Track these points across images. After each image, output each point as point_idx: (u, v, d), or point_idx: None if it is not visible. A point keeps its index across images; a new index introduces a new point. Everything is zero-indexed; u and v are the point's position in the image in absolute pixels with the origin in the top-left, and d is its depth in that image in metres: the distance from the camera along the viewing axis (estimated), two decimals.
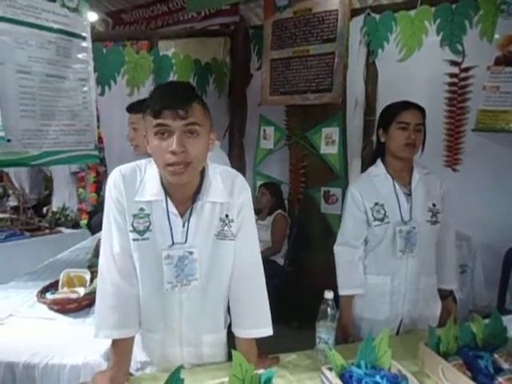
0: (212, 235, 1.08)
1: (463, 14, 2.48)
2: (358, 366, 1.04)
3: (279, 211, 3.16)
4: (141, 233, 1.04)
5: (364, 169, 1.79)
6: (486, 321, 1.19)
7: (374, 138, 2.00)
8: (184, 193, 1.05)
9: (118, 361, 1.06)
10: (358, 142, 2.95)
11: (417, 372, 1.11)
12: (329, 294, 1.18)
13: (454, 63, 2.57)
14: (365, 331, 1.50)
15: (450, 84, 2.61)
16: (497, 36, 2.40)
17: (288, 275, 2.99)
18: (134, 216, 1.04)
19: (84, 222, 3.86)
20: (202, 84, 3.48)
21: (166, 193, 1.04)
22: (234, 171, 1.14)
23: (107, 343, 1.15)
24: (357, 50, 2.84)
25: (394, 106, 1.50)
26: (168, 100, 0.93)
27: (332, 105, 2.83)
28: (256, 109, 3.39)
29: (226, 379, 0.97)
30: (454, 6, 2.50)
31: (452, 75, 2.59)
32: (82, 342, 1.32)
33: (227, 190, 1.08)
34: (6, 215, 3.39)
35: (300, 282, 2.94)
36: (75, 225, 3.56)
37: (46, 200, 4.38)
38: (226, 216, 1.08)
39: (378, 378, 0.99)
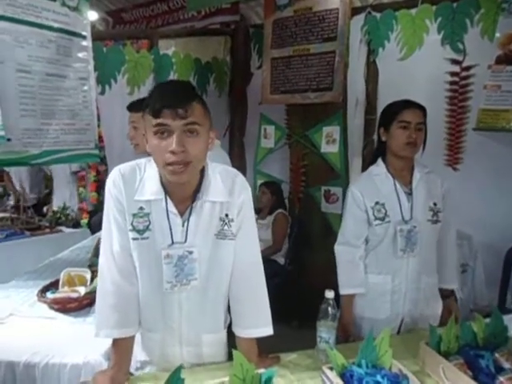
0: (212, 235, 1.07)
1: (464, 13, 2.47)
2: (359, 366, 1.04)
3: (280, 210, 3.16)
4: (140, 232, 1.04)
5: (365, 168, 1.79)
6: (487, 320, 1.19)
7: (375, 136, 2.00)
8: (184, 192, 1.05)
9: (119, 360, 1.06)
10: (359, 141, 2.94)
11: (418, 371, 1.11)
12: (329, 294, 1.18)
13: (454, 62, 2.56)
14: (366, 330, 1.50)
15: (451, 83, 2.60)
16: (498, 35, 2.39)
17: (288, 274, 2.99)
18: (134, 215, 1.04)
19: (84, 221, 3.86)
20: (203, 83, 3.48)
21: (166, 192, 1.04)
22: (234, 170, 1.14)
23: (108, 342, 1.15)
24: (357, 49, 2.82)
25: (394, 104, 1.49)
26: (168, 99, 0.93)
27: (332, 104, 2.83)
28: (256, 108, 3.38)
29: (226, 379, 0.97)
30: (454, 4, 2.49)
31: (453, 74, 2.59)
32: (82, 342, 1.32)
33: (227, 189, 1.08)
34: (7, 214, 3.40)
35: (300, 282, 2.94)
36: (76, 224, 3.55)
37: (47, 199, 4.38)
38: (226, 215, 1.08)
39: (378, 378, 0.99)
